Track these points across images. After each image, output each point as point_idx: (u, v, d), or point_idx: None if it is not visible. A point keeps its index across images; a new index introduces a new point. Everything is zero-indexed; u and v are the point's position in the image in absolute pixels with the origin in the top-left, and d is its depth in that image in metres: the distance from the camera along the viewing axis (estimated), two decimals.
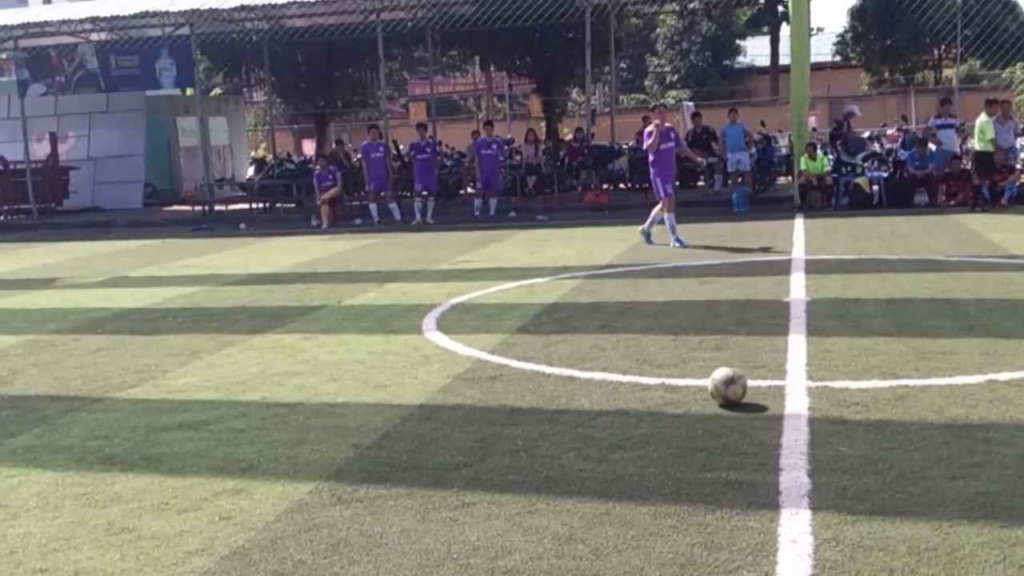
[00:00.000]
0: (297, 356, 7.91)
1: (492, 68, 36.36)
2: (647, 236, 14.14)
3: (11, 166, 25.22)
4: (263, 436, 5.81)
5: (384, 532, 4.31)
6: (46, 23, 24.37)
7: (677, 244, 13.69)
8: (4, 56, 29.58)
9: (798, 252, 12.63)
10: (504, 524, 4.32)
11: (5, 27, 24.52)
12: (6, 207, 24.87)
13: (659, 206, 14.12)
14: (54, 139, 25.95)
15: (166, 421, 6.24)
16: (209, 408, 6.48)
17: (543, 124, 32.54)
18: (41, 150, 26.16)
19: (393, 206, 20.15)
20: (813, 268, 11.13)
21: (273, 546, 4.23)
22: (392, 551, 4.12)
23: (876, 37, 44.42)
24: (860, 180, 18.78)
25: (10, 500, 5.00)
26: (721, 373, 5.92)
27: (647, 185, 23.16)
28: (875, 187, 18.66)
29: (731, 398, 5.83)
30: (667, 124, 14.23)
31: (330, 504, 4.67)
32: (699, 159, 16.89)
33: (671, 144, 14.17)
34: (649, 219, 14.23)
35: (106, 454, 5.65)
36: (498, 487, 4.76)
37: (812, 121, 26.18)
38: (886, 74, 47.08)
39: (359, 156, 22.15)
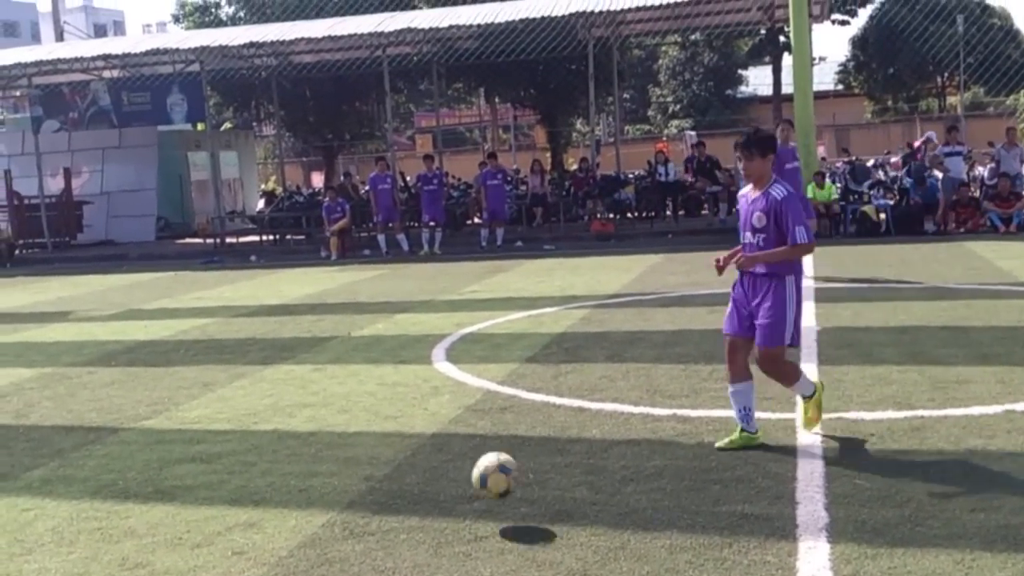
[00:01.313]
0: (308, 388, 7.93)
1: (497, 100, 36.60)
2: None
3: (26, 201, 25.40)
4: (275, 468, 5.82)
5: (397, 567, 4.30)
6: (59, 60, 24.64)
7: None
8: (18, 93, 29.89)
9: (807, 280, 12.59)
10: (517, 559, 4.31)
11: (19, 64, 24.80)
12: (21, 241, 25.02)
13: None
14: (68, 174, 26.15)
15: (179, 454, 6.25)
16: (222, 440, 6.50)
17: (548, 155, 32.70)
18: (55, 185, 26.35)
19: (401, 237, 20.23)
20: (822, 296, 11.12)
21: None
22: None
23: (878, 66, 44.67)
24: (867, 208, 18.81)
25: (26, 535, 5.01)
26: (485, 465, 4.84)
27: (653, 214, 23.31)
28: (882, 215, 18.68)
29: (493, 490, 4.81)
30: (791, 144, 12.98)
31: (342, 538, 4.66)
32: None
33: (797, 164, 12.93)
34: None
35: (120, 487, 5.66)
36: (511, 520, 4.76)
37: (820, 151, 26.23)
38: (889, 102, 47.27)
39: (367, 188, 22.28)
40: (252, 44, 23.33)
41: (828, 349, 8.21)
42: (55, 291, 16.88)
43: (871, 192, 20.12)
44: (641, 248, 18.44)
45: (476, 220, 23.15)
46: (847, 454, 5.47)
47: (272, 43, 23.45)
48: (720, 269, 5.72)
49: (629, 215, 23.62)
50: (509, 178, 23.13)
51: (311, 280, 16.20)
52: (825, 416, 6.19)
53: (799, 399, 5.95)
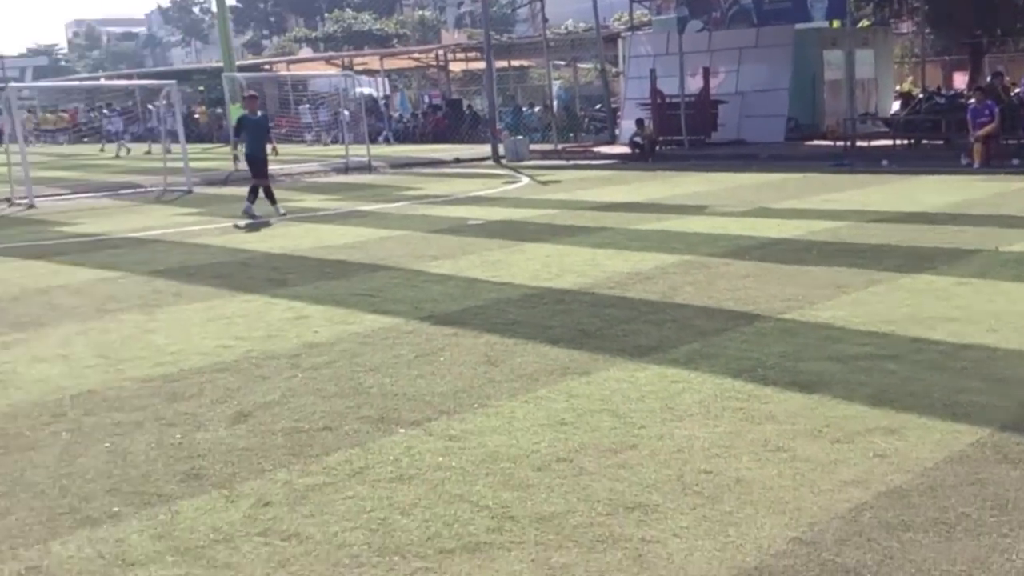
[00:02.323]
0: (950, 301, 7.46)
1: None
2: None
3: (667, 99, 27.32)
4: (915, 379, 5.60)
5: None
6: None
7: None
8: None
9: None
10: None
11: None
12: (661, 138, 27.06)
13: None
14: (707, 74, 27.46)
15: (814, 350, 6.33)
16: (857, 343, 6.43)
17: None
18: (694, 84, 27.86)
19: None
20: None
21: (933, 492, 4.08)
22: None
23: None
24: None
25: (675, 404, 5.49)
26: None
27: None
28: None
29: None
30: None
31: (995, 461, 4.35)
32: None
33: None
34: None
35: (759, 374, 5.91)
36: None
37: None
38: None
39: (1020, 90, 19.95)
40: None
41: None
42: (690, 186, 18.01)
43: None
44: None
45: None
46: None
47: None
48: None
49: None
50: None
51: (950, 188, 15.12)
52: None
53: None
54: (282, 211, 15.87)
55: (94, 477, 4.65)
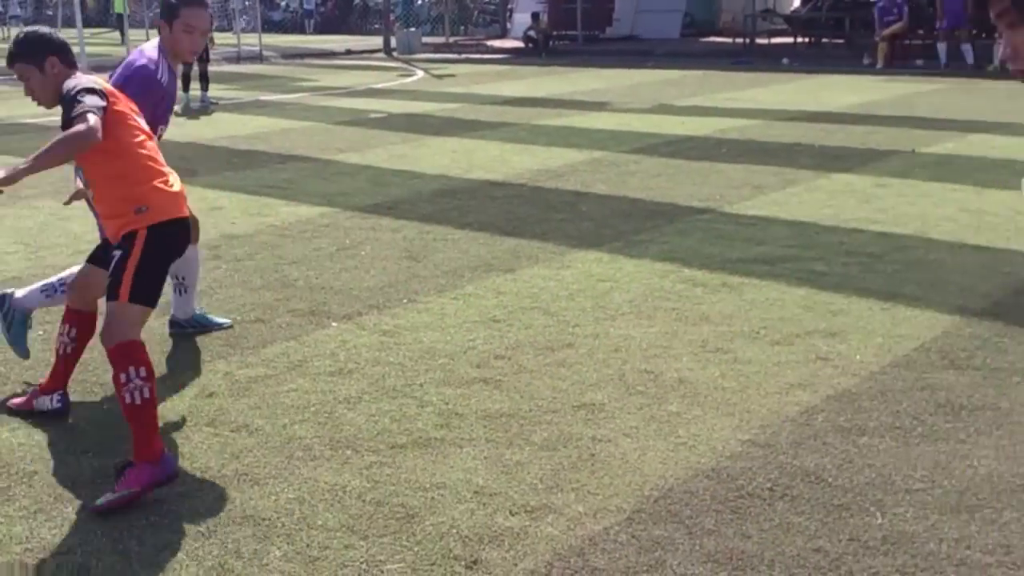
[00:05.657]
0: (872, 203, 7.47)
1: None
2: None
3: None
4: (849, 282, 5.55)
5: (1014, 409, 3.89)
6: None
7: None
8: None
9: None
10: None
11: None
12: (555, 32, 26.50)
13: None
14: None
15: (739, 251, 6.23)
16: (783, 244, 6.37)
17: None
18: None
19: (966, 47, 17.77)
20: None
21: (883, 397, 4.03)
22: None
23: None
24: None
25: (606, 303, 5.32)
26: None
27: None
28: None
29: None
30: None
31: (941, 367, 4.32)
32: None
33: None
34: None
35: (686, 274, 5.78)
36: None
37: None
38: None
39: None
40: None
41: None
42: (587, 82, 17.70)
43: None
44: None
45: None
46: None
47: None
48: None
49: None
50: None
51: (854, 88, 15.26)
52: None
53: None
54: (213, 99, 15.21)
55: None
